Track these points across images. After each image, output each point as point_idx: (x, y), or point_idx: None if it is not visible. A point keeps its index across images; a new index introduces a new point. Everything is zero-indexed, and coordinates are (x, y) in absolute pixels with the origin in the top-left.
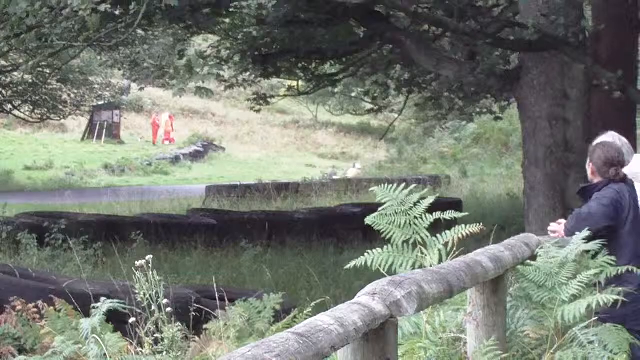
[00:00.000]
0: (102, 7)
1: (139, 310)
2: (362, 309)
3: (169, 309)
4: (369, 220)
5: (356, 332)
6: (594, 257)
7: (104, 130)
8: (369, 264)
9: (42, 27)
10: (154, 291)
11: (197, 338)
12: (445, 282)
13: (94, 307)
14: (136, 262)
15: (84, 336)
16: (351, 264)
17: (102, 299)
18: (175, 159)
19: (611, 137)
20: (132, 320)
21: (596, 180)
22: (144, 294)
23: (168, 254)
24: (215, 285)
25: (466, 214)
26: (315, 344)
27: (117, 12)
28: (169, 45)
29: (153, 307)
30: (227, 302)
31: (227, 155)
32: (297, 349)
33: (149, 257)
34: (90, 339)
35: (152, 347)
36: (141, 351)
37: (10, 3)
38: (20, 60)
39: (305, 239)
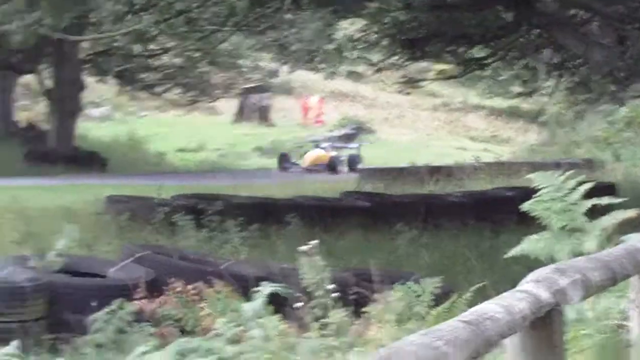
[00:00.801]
0: None
1: (299, 294)
2: (527, 297)
3: (335, 294)
4: (526, 207)
5: (523, 320)
6: None
7: (255, 113)
8: (527, 252)
9: (190, 12)
10: (320, 276)
11: (356, 321)
12: (608, 269)
13: (255, 291)
14: (301, 247)
15: (247, 319)
16: (510, 253)
17: (263, 283)
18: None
19: None
20: (299, 304)
21: None
22: (310, 279)
23: (323, 236)
24: (373, 269)
25: (623, 199)
26: (483, 332)
27: None
28: (318, 29)
29: (319, 292)
30: (385, 285)
31: (377, 139)
32: (466, 337)
33: (314, 242)
34: (253, 321)
35: (319, 331)
36: (305, 335)
37: None
38: (169, 44)
39: (460, 222)
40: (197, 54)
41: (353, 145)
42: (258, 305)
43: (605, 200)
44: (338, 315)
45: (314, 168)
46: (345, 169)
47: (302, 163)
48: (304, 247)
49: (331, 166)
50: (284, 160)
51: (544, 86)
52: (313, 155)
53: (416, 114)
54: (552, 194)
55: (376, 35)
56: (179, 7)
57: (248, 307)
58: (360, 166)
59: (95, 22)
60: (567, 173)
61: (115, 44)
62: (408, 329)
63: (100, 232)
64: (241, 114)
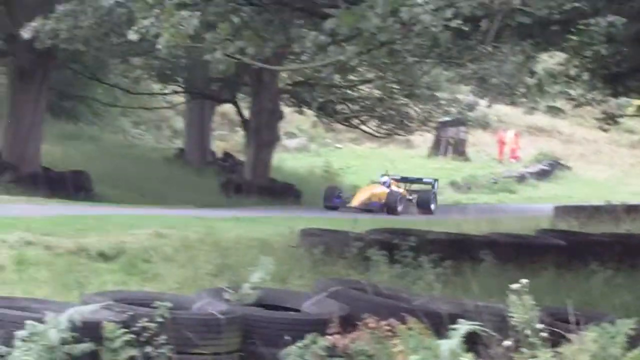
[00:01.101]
0: (454, 23)
1: (495, 333)
2: None
3: (543, 334)
4: None
5: None
6: None
7: (450, 147)
8: None
9: (394, 43)
10: (529, 315)
11: None
12: None
13: (450, 328)
14: (511, 286)
15: (442, 357)
16: None
17: (457, 320)
18: (521, 178)
19: None
20: (507, 343)
21: None
22: (519, 318)
23: (517, 274)
24: (568, 308)
25: None
26: None
27: (467, 29)
28: (519, 63)
29: (527, 331)
30: (579, 325)
31: (573, 175)
32: None
33: (524, 280)
34: None
35: None
36: None
37: (362, 19)
38: (368, 75)
39: None
40: (396, 86)
41: (427, 180)
42: (455, 343)
43: None
44: (547, 355)
45: (366, 207)
46: (414, 209)
47: (352, 201)
48: (515, 286)
49: (389, 205)
50: (332, 196)
51: None
52: (367, 191)
53: (613, 151)
54: None
55: (576, 69)
56: (382, 38)
57: (444, 345)
58: (434, 206)
59: (294, 52)
60: None
61: (318, 74)
62: None
63: (294, 265)
64: (436, 148)
